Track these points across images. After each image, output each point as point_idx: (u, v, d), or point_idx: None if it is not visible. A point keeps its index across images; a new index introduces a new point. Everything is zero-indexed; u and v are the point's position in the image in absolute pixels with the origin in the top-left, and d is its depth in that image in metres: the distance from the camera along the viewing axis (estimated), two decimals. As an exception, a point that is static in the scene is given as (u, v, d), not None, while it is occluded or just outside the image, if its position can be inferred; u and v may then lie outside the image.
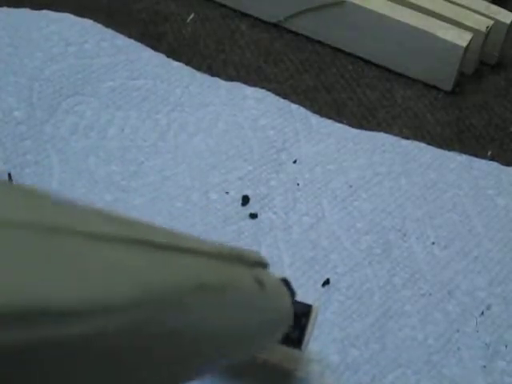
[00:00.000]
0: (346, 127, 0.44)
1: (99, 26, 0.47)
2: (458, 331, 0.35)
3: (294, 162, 0.41)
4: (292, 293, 0.29)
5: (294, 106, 0.44)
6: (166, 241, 0.18)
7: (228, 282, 0.21)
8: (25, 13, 0.47)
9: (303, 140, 0.43)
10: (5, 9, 0.47)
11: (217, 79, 0.45)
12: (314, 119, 0.44)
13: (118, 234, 0.15)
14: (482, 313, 0.36)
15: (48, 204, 0.15)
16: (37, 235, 0.13)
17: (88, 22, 0.47)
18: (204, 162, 0.41)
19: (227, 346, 0.21)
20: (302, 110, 0.44)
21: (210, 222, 0.38)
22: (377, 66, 0.49)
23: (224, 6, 0.51)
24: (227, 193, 0.40)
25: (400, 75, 0.48)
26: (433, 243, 0.39)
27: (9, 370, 0.11)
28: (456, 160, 0.43)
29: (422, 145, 0.43)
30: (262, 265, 0.25)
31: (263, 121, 0.43)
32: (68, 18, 0.47)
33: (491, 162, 0.43)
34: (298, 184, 0.41)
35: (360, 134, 0.43)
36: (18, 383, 0.12)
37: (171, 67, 0.45)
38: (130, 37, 0.47)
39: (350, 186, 0.41)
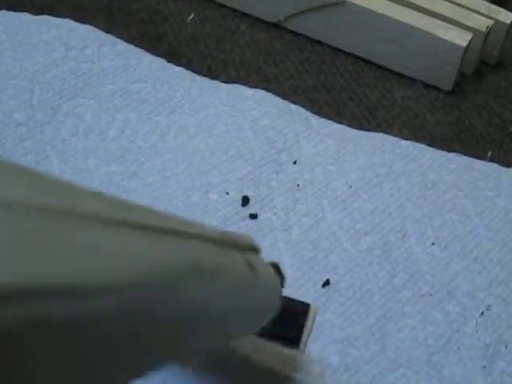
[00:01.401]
0: (346, 128, 0.44)
1: (99, 31, 0.47)
2: (457, 331, 0.35)
3: (294, 162, 0.41)
4: (282, 278, 0.28)
5: (294, 107, 0.44)
6: (163, 224, 0.18)
7: (222, 266, 0.21)
8: (25, 17, 0.47)
9: (303, 141, 0.43)
10: (5, 12, 0.47)
11: (217, 82, 0.45)
12: (314, 120, 0.44)
13: (115, 218, 0.16)
14: (482, 313, 0.36)
15: (55, 185, 0.16)
16: (44, 217, 0.14)
17: (88, 28, 0.47)
18: (204, 162, 0.41)
19: (217, 328, 0.22)
20: (302, 110, 0.44)
21: (210, 222, 0.38)
22: (377, 65, 0.49)
23: (224, 6, 0.51)
24: (227, 193, 0.40)
25: (400, 75, 0.48)
26: (433, 244, 0.39)
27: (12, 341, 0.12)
28: (456, 161, 0.43)
29: (422, 146, 0.43)
30: (254, 249, 0.26)
31: (263, 121, 0.43)
32: (68, 23, 0.47)
33: (491, 163, 0.43)
34: (298, 185, 0.41)
35: (360, 134, 0.43)
36: (20, 356, 0.12)
37: (172, 71, 0.45)
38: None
39: (350, 187, 0.41)
